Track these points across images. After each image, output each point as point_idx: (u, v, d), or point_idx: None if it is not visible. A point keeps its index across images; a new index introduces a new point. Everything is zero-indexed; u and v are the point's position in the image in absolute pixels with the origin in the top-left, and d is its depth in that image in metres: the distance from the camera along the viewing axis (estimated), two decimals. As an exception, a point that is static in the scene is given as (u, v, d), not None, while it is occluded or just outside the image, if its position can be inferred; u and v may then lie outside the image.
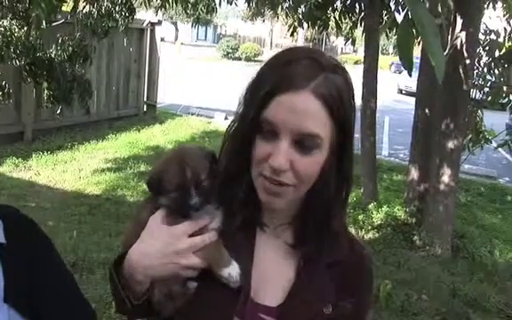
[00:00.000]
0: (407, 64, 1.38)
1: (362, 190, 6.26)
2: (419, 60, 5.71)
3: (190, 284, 0.97)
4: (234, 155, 0.97)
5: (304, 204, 0.98)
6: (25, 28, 4.34)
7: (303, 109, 0.88)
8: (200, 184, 0.94)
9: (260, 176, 0.92)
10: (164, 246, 0.94)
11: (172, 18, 34.64)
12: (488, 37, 5.53)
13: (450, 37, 4.84)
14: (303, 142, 0.89)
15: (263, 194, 0.93)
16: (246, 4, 7.07)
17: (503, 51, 5.56)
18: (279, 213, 0.99)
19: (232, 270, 0.93)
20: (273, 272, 0.98)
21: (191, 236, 0.95)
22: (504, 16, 5.94)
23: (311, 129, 0.88)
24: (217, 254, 0.95)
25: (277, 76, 0.90)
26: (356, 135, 6.80)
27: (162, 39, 10.76)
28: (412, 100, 6.21)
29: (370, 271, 1.08)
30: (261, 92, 0.90)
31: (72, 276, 1.13)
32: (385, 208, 5.81)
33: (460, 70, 4.75)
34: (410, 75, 1.57)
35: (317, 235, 0.98)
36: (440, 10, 4.70)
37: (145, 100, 10.55)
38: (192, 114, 11.23)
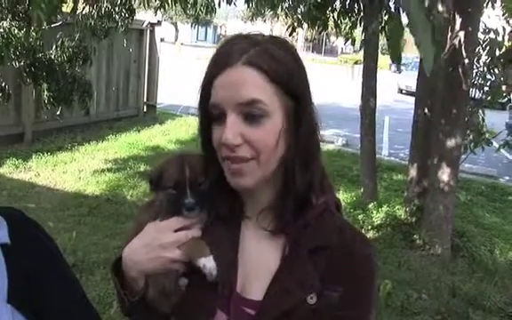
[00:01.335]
0: (395, 57, 1.39)
1: (362, 190, 6.26)
2: (418, 60, 5.71)
3: (182, 281, 1.00)
4: (202, 150, 1.01)
5: (278, 185, 0.98)
6: (25, 30, 4.35)
7: (237, 80, 0.90)
8: (196, 186, 0.99)
9: (223, 161, 0.95)
10: (151, 240, 0.98)
11: (171, 18, 34.66)
12: (487, 36, 5.52)
13: (449, 37, 4.84)
14: (249, 112, 0.90)
15: (230, 177, 0.95)
16: (246, 5, 7.07)
17: (503, 50, 5.55)
18: (257, 198, 1.00)
19: (207, 262, 0.96)
20: (259, 262, 0.98)
21: (178, 231, 0.99)
22: (503, 15, 5.93)
23: (249, 95, 0.90)
24: (195, 246, 0.98)
25: (213, 63, 0.94)
26: (356, 135, 6.80)
27: (161, 40, 10.76)
28: (412, 99, 6.20)
29: (362, 258, 0.96)
30: (203, 84, 0.95)
31: (76, 278, 1.13)
32: (385, 208, 5.81)
33: (460, 70, 4.75)
34: (398, 69, 1.58)
35: (296, 215, 0.96)
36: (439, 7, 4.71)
37: (145, 100, 10.56)
38: (192, 114, 11.19)
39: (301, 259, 0.94)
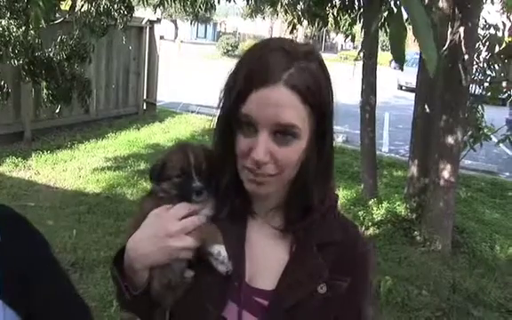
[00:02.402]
0: (398, 58, 1.37)
1: (362, 186, 6.26)
2: (418, 56, 5.70)
3: (187, 273, 0.99)
4: (218, 147, 1.02)
5: (290, 188, 1.01)
6: (23, 28, 4.33)
7: (277, 102, 0.90)
8: (202, 172, 1.01)
9: (243, 169, 0.96)
10: (156, 230, 0.97)
11: (171, 16, 34.61)
12: (487, 32, 5.50)
13: (449, 32, 4.82)
14: (281, 133, 0.92)
15: (248, 184, 0.97)
16: (245, 2, 7.07)
17: (503, 45, 5.54)
18: (268, 199, 1.02)
19: (222, 249, 0.96)
20: (267, 257, 1.01)
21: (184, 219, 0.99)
22: (502, 9, 5.92)
23: (287, 120, 0.91)
24: (210, 232, 0.98)
25: (251, 72, 0.92)
26: (356, 131, 6.79)
27: (161, 37, 10.74)
28: (413, 95, 6.19)
29: (364, 254, 1.06)
30: (237, 89, 0.93)
31: (67, 274, 1.13)
32: (385, 204, 5.80)
33: (459, 65, 4.73)
34: (401, 69, 1.57)
35: (304, 217, 1.00)
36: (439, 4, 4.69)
37: (144, 98, 10.54)
38: (192, 112, 11.21)
39: (311, 253, 0.99)
